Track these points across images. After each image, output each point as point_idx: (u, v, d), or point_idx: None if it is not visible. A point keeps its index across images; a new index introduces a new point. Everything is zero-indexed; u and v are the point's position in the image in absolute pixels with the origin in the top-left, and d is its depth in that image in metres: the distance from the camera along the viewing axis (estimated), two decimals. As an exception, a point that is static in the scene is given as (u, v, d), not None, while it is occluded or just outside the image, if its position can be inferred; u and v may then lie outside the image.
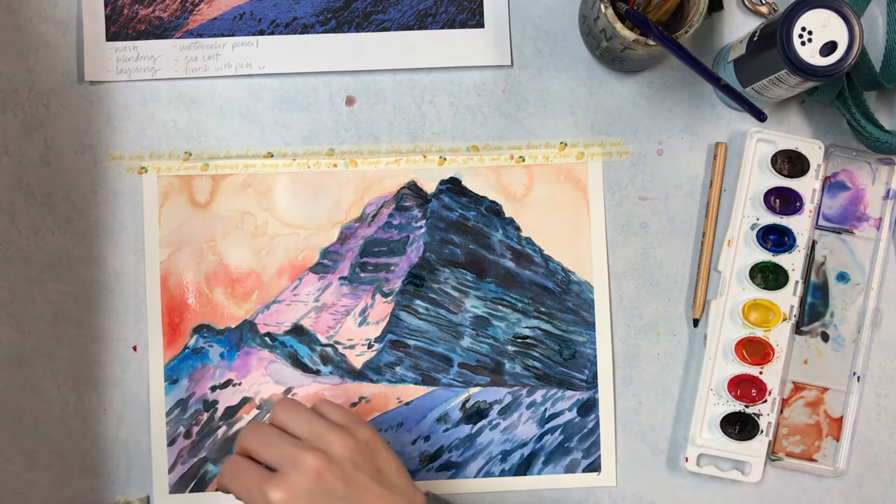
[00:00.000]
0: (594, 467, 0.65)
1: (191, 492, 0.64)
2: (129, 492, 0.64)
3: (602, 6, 0.58)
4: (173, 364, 0.64)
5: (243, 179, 0.65)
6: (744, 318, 0.64)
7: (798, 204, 0.64)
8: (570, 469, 0.65)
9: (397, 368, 0.65)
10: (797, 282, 0.64)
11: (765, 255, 0.64)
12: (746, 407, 0.64)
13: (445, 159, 0.66)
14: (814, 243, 0.65)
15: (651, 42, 0.57)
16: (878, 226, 0.66)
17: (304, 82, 0.66)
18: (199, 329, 0.64)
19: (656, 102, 0.66)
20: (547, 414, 0.65)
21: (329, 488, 0.49)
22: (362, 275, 0.65)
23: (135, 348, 0.64)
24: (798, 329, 0.65)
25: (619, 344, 0.66)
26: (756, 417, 0.64)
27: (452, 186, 0.66)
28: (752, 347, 0.64)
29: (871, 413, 0.66)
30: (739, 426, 0.64)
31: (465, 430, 0.65)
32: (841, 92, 0.63)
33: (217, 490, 0.54)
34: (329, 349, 0.65)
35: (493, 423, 0.65)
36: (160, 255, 0.64)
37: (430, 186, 0.66)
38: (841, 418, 0.65)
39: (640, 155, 0.66)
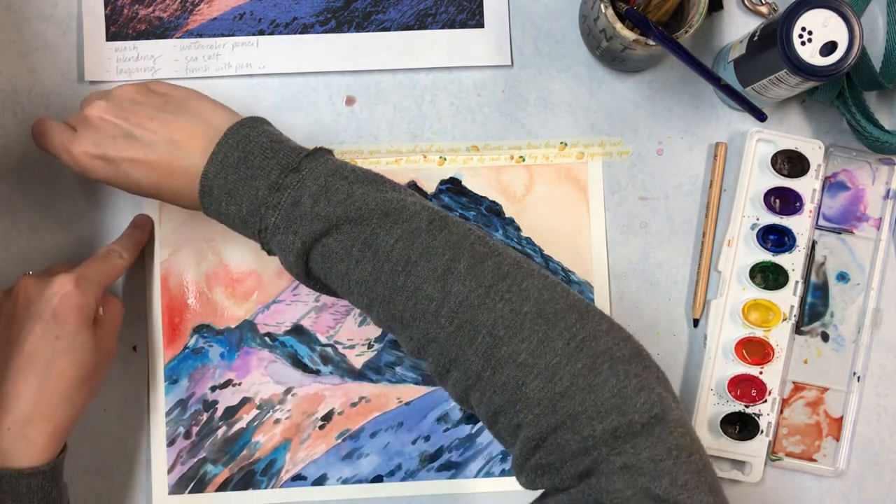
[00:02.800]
0: (594, 467, 0.65)
1: (190, 492, 0.64)
2: (128, 493, 0.64)
3: (602, 6, 0.58)
4: (173, 364, 0.64)
5: (243, 179, 0.65)
6: (744, 318, 0.64)
7: (798, 204, 0.64)
8: (571, 469, 0.65)
9: (397, 368, 0.65)
10: (797, 282, 0.64)
11: (765, 255, 0.64)
12: (746, 407, 0.64)
13: (445, 159, 0.66)
14: (814, 243, 0.65)
15: (651, 42, 0.57)
16: (878, 226, 0.66)
17: (304, 82, 0.66)
18: (199, 329, 0.64)
19: (656, 102, 0.66)
20: (547, 414, 0.65)
21: (112, 128, 0.54)
22: (362, 275, 0.65)
23: (135, 348, 0.64)
24: (798, 329, 0.65)
25: (619, 344, 0.65)
26: (756, 417, 0.64)
27: (452, 186, 0.65)
28: (752, 347, 0.64)
29: (871, 413, 0.66)
30: (739, 426, 0.64)
31: (465, 430, 0.65)
32: (841, 92, 0.63)
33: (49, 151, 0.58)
34: (329, 349, 0.65)
35: (493, 423, 0.65)
36: (160, 255, 0.64)
37: (430, 186, 0.66)
38: (841, 418, 0.65)
39: (640, 155, 0.66)
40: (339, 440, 0.64)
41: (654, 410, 0.46)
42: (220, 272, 0.65)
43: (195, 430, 0.64)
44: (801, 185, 0.64)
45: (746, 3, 0.66)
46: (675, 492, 0.44)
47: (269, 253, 0.54)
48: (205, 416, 0.64)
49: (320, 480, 0.64)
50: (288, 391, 0.64)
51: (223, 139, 0.52)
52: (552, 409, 0.46)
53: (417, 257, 0.49)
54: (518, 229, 0.65)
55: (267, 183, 0.51)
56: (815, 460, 0.65)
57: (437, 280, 0.49)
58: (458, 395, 0.51)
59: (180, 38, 0.65)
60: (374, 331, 0.65)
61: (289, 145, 0.53)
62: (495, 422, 0.49)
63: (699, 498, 0.44)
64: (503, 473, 0.65)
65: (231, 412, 0.64)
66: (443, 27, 0.65)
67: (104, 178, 0.55)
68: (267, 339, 0.65)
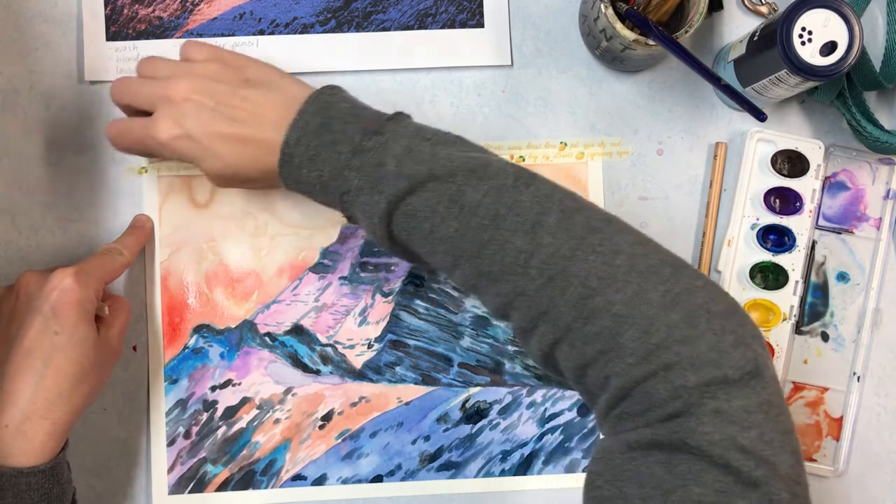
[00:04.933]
0: (594, 467, 0.65)
1: (190, 492, 0.64)
2: (128, 493, 0.64)
3: (602, 6, 0.58)
4: (173, 364, 0.64)
5: (243, 179, 0.65)
6: (744, 318, 0.64)
7: (798, 204, 0.64)
8: (570, 469, 0.65)
9: (397, 368, 0.65)
10: (797, 282, 0.64)
11: (765, 255, 0.64)
12: (746, 407, 0.64)
13: (445, 159, 0.65)
14: (814, 243, 0.65)
15: (651, 42, 0.57)
16: (878, 226, 0.66)
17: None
18: (199, 329, 0.64)
19: (656, 102, 0.66)
20: (547, 414, 0.65)
21: (198, 107, 0.53)
22: (362, 274, 0.65)
23: (135, 348, 0.64)
24: (798, 329, 0.65)
25: (619, 344, 0.65)
26: (756, 417, 0.64)
27: (452, 186, 0.65)
28: (752, 347, 0.64)
29: (871, 413, 0.66)
30: (739, 426, 0.64)
31: (465, 430, 0.65)
32: (841, 92, 0.63)
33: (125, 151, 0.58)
34: (329, 349, 0.65)
35: (493, 422, 0.65)
36: (160, 255, 0.64)
37: (430, 186, 0.65)
38: (841, 418, 0.65)
39: (640, 155, 0.66)
40: (339, 440, 0.64)
41: (749, 367, 0.45)
42: (220, 272, 0.65)
43: (195, 429, 0.64)
44: (801, 185, 0.64)
45: (746, 3, 0.66)
46: (762, 446, 0.43)
47: (350, 220, 0.54)
48: (205, 416, 0.64)
49: (320, 480, 0.64)
50: (288, 391, 0.64)
51: (304, 107, 0.53)
52: (646, 359, 0.45)
53: (506, 211, 0.49)
54: (518, 229, 0.65)
55: (350, 147, 0.51)
56: (814, 460, 0.65)
57: (527, 233, 0.48)
58: (542, 351, 0.50)
59: (180, 38, 0.65)
60: (374, 331, 0.65)
61: (370, 110, 0.54)
62: (583, 375, 0.49)
63: (783, 458, 0.44)
64: (503, 473, 0.65)
65: (231, 412, 0.64)
66: (443, 27, 0.66)
67: (188, 156, 0.55)
68: (267, 338, 0.65)
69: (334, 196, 0.53)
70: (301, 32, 0.65)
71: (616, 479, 0.46)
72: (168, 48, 0.65)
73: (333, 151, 0.51)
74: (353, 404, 0.65)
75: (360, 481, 0.64)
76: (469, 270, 0.51)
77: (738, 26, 0.67)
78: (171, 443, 0.64)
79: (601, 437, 0.49)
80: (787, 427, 0.45)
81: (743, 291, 0.64)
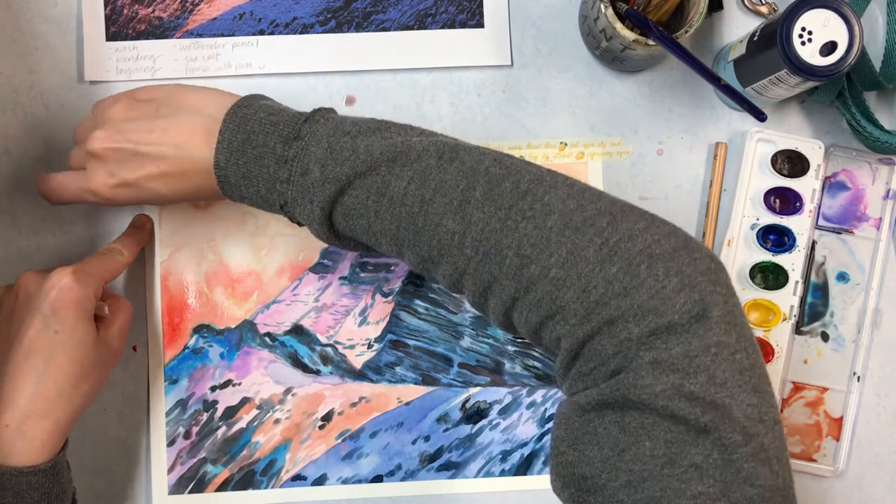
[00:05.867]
0: (594, 467, 0.65)
1: (190, 492, 0.64)
2: (128, 493, 0.64)
3: (602, 6, 0.58)
4: (173, 364, 0.64)
5: (243, 179, 0.65)
6: (744, 318, 0.64)
7: (798, 204, 0.64)
8: (570, 469, 0.65)
9: (397, 368, 0.65)
10: (797, 282, 0.64)
11: (765, 255, 0.64)
12: (746, 407, 0.64)
13: (445, 159, 0.65)
14: (814, 243, 0.65)
15: (651, 42, 0.57)
16: (878, 226, 0.66)
17: (304, 82, 0.66)
18: (199, 329, 0.64)
19: (656, 102, 0.66)
20: (547, 414, 0.65)
21: (118, 154, 0.54)
22: (362, 275, 0.65)
23: (135, 348, 0.64)
24: (798, 329, 0.65)
25: (619, 344, 0.65)
26: (756, 417, 0.64)
27: (452, 186, 0.65)
28: (752, 347, 0.64)
29: (871, 413, 0.66)
30: (739, 426, 0.64)
31: (465, 430, 0.65)
32: (841, 92, 0.63)
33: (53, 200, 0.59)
34: (329, 349, 0.65)
35: (493, 423, 0.65)
36: (160, 255, 0.64)
37: (430, 186, 0.65)
38: (841, 418, 0.65)
39: (640, 155, 0.66)
40: (339, 440, 0.64)
41: (696, 310, 0.44)
42: (220, 272, 0.65)
43: (195, 430, 0.64)
44: (801, 185, 0.64)
45: (746, 3, 0.66)
46: (713, 390, 0.42)
47: (300, 225, 0.54)
48: (205, 416, 0.64)
49: (320, 480, 0.64)
50: (288, 391, 0.64)
51: (223, 126, 0.52)
52: (587, 318, 0.45)
53: (431, 194, 0.49)
54: (518, 229, 0.65)
55: (274, 158, 0.51)
56: (814, 460, 0.65)
57: (455, 212, 0.48)
58: (500, 321, 0.50)
59: (180, 38, 0.65)
60: (374, 331, 0.65)
61: (287, 114, 0.53)
62: (539, 338, 0.49)
63: (741, 398, 0.42)
64: (503, 473, 0.65)
65: (231, 412, 0.64)
66: (443, 27, 0.65)
67: (130, 202, 0.55)
68: (267, 339, 0.65)
69: (275, 208, 0.53)
70: (301, 32, 0.65)
71: (577, 442, 0.46)
72: (168, 48, 0.65)
73: (262, 166, 0.52)
74: (353, 404, 0.65)
75: (360, 481, 0.64)
76: (412, 257, 0.51)
77: (738, 26, 0.67)
78: (171, 443, 0.64)
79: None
80: (744, 365, 0.44)
81: (743, 291, 0.64)
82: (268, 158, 0.51)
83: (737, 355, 0.44)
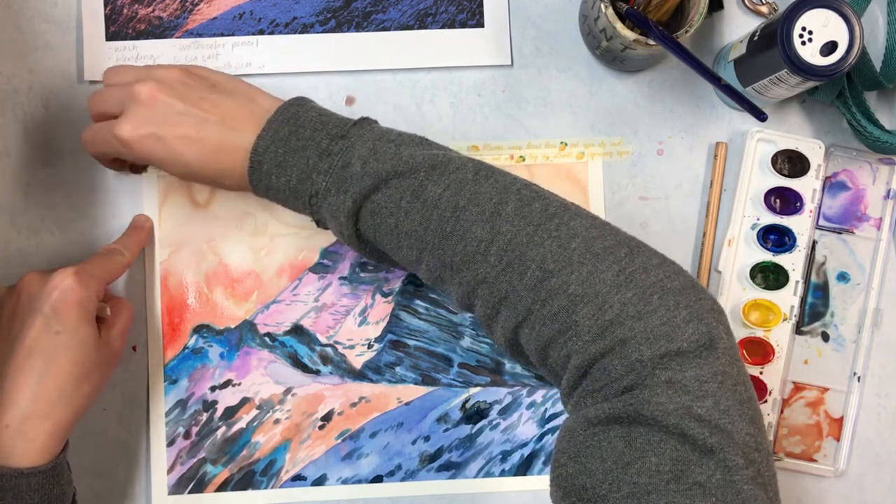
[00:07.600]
0: (594, 467, 0.65)
1: (190, 493, 0.64)
2: (128, 493, 0.64)
3: (602, 6, 0.58)
4: (173, 364, 0.64)
5: (243, 179, 0.65)
6: (744, 318, 0.64)
7: (798, 204, 0.64)
8: (571, 469, 0.65)
9: (397, 368, 0.65)
10: (797, 282, 0.64)
11: (765, 255, 0.64)
12: (747, 407, 0.64)
13: (445, 159, 0.65)
14: (814, 243, 0.65)
15: (651, 42, 0.57)
16: (878, 226, 0.66)
17: (304, 82, 0.65)
18: (199, 329, 0.64)
19: (656, 102, 0.66)
20: (547, 414, 0.65)
21: (165, 107, 0.54)
22: (362, 275, 0.65)
23: (135, 348, 0.64)
24: (798, 329, 0.65)
25: (619, 344, 0.65)
26: (756, 417, 0.64)
27: (452, 186, 0.65)
28: (753, 347, 0.64)
29: (871, 413, 0.66)
30: (740, 426, 0.64)
31: (465, 430, 0.65)
32: (841, 92, 0.63)
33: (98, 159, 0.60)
34: (329, 349, 0.65)
35: (494, 423, 0.65)
36: (160, 255, 0.64)
37: (430, 186, 0.65)
38: (841, 418, 0.65)
39: (640, 155, 0.66)
40: (339, 440, 0.64)
41: (703, 340, 0.46)
42: (220, 272, 0.65)
43: (195, 430, 0.64)
44: (801, 185, 0.64)
45: (746, 3, 0.66)
46: (717, 415, 0.44)
47: (319, 223, 0.55)
48: (204, 416, 0.64)
49: (320, 481, 0.64)
50: (288, 391, 0.64)
51: (274, 116, 0.54)
52: (601, 336, 0.47)
53: (465, 203, 0.50)
54: (518, 229, 0.65)
55: (317, 151, 0.53)
56: (815, 461, 0.65)
57: (486, 222, 0.50)
58: (507, 336, 0.51)
59: (180, 37, 0.65)
60: (374, 331, 0.65)
61: (337, 117, 0.55)
62: (546, 356, 0.50)
63: (740, 426, 0.45)
64: (503, 473, 0.65)
65: (231, 412, 0.64)
66: (443, 27, 0.65)
67: (152, 157, 0.55)
68: (267, 339, 0.65)
69: (303, 200, 0.54)
70: (301, 32, 0.65)
71: (579, 455, 0.46)
72: (168, 48, 0.65)
73: (301, 157, 0.53)
74: (353, 404, 0.65)
75: (360, 481, 0.64)
76: (433, 262, 0.52)
77: (738, 26, 0.66)
78: (170, 443, 0.64)
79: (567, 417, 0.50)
80: (743, 397, 0.46)
81: (743, 291, 0.64)
82: (310, 150, 0.53)
83: (738, 387, 0.46)
